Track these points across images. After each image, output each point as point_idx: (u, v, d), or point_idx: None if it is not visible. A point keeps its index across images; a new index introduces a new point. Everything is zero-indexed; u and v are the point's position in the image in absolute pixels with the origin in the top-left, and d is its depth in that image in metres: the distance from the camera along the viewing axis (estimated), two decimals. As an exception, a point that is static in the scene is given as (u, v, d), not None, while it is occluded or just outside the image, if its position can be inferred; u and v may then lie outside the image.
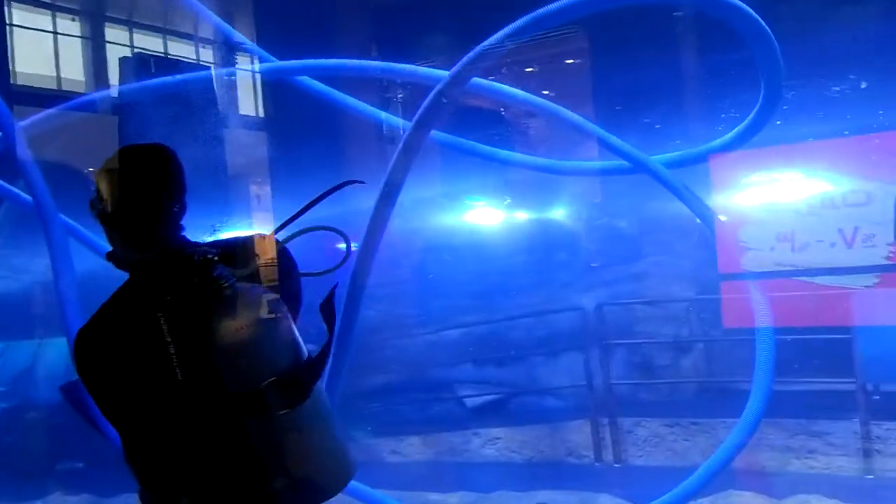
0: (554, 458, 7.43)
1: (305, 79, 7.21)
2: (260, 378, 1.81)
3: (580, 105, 11.48)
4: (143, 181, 1.96)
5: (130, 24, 15.44)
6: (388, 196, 6.10)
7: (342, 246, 2.16)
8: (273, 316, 1.86)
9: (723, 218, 9.20)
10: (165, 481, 1.91)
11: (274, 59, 7.37)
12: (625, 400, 8.01)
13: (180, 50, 15.35)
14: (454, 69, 6.06)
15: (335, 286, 1.98)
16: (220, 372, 1.83)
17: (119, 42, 14.79)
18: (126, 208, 1.94)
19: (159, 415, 1.90)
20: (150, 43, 15.28)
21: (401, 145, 6.26)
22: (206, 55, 14.53)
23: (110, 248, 2.03)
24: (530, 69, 12.15)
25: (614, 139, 6.61)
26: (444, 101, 6.24)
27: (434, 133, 7.25)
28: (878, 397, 6.82)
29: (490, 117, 11.22)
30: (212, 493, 1.90)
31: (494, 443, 7.95)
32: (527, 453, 7.69)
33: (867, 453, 6.60)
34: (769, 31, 5.59)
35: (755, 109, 6.46)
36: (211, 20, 7.54)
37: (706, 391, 8.51)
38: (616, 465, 7.44)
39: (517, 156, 8.18)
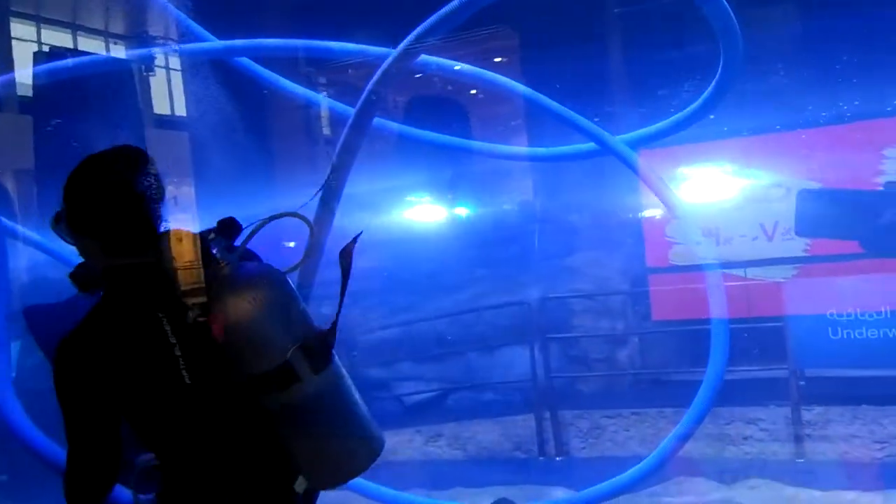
0: (500, 453, 7.46)
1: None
2: (284, 349, 1.78)
3: (508, 102, 11.60)
4: (139, 183, 1.89)
5: (38, 20, 14.80)
6: (330, 196, 6.06)
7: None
8: (282, 286, 1.84)
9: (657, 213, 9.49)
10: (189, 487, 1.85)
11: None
12: (565, 393, 8.13)
13: (91, 46, 14.83)
14: (383, 66, 6.11)
15: (359, 234, 1.93)
16: (243, 356, 1.78)
17: (27, 38, 14.15)
18: (126, 213, 1.87)
19: (169, 421, 1.83)
20: (60, 39, 14.70)
21: (339, 146, 6.23)
22: (119, 52, 14.07)
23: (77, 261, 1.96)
24: (457, 66, 12.17)
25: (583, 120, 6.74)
26: (374, 98, 6.30)
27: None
28: (803, 383, 7.08)
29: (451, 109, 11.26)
30: (235, 490, 1.85)
31: (436, 440, 7.94)
32: (471, 449, 7.70)
33: (798, 438, 6.87)
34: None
35: (707, 92, 6.61)
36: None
37: (641, 382, 8.71)
38: (557, 459, 7.52)
39: (483, 145, 8.31)
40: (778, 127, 8.92)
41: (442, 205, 9.15)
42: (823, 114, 8.57)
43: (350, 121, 5.96)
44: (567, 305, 8.98)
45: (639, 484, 5.40)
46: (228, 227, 1.87)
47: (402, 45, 6.12)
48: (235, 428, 1.84)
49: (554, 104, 6.93)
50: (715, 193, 9.28)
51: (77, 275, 1.96)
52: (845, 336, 6.81)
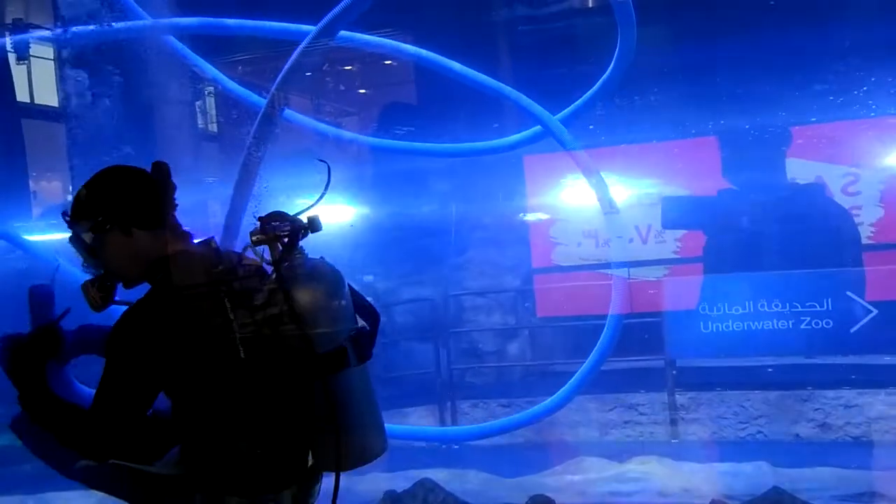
0: (403, 442, 7.78)
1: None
2: (338, 336, 2.01)
3: (400, 104, 11.94)
4: (167, 183, 2.11)
5: None
6: (241, 195, 6.22)
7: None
8: (340, 281, 2.07)
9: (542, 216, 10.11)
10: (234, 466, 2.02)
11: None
12: (459, 385, 8.58)
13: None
14: (278, 78, 6.42)
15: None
16: (300, 339, 1.99)
17: None
18: (163, 208, 2.09)
19: (217, 394, 2.00)
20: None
21: (244, 155, 6.42)
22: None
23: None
24: (349, 67, 12.45)
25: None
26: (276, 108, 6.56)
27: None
28: (675, 372, 7.84)
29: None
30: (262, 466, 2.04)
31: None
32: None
33: (673, 421, 7.63)
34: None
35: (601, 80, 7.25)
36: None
37: (531, 374, 9.30)
38: (455, 447, 7.95)
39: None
40: (654, 140, 9.74)
41: (352, 204, 9.36)
42: (693, 130, 9.47)
43: (251, 134, 6.18)
44: (459, 302, 9.45)
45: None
46: (313, 223, 2.06)
47: (294, 56, 6.43)
48: (279, 406, 2.04)
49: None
50: (593, 198, 9.96)
51: (102, 286, 2.09)
52: (714, 329, 7.64)
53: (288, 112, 7.60)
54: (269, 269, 2.06)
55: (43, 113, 13.80)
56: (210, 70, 8.00)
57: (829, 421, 7.17)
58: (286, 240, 2.03)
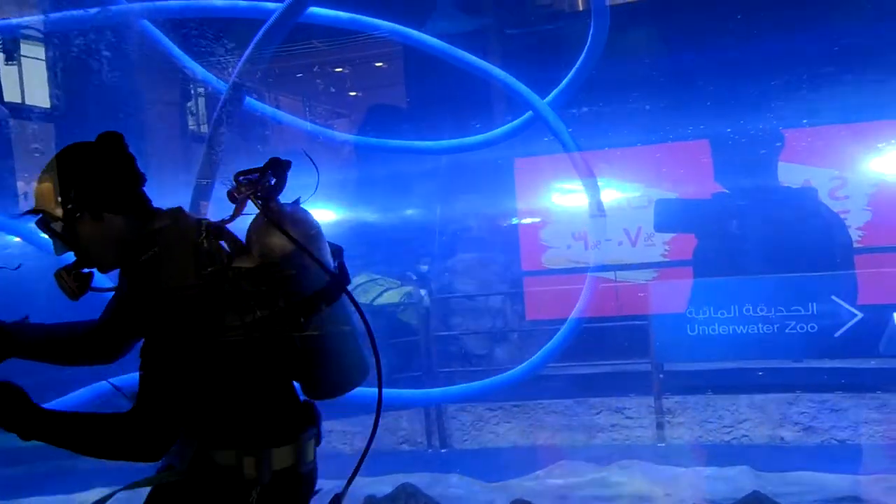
0: (387, 446, 7.78)
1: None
2: (323, 275, 2.05)
3: (393, 105, 11.94)
4: (125, 156, 2.07)
5: None
6: (201, 196, 6.22)
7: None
8: (315, 222, 2.09)
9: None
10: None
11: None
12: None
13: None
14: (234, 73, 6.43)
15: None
16: (287, 284, 2.01)
17: None
18: (135, 183, 2.07)
19: (227, 349, 1.97)
20: None
21: (205, 145, 6.43)
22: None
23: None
24: (340, 69, 12.46)
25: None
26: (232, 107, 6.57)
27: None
28: (662, 375, 7.83)
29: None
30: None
31: (326, 436, 8.16)
32: (359, 444, 7.97)
33: (660, 424, 7.62)
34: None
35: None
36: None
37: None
38: (442, 451, 7.95)
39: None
40: (638, 143, 9.76)
41: (342, 206, 9.37)
42: (678, 132, 9.49)
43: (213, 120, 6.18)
44: (447, 304, 9.45)
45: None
46: (280, 166, 2.06)
47: (250, 47, 6.43)
48: (275, 351, 2.04)
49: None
50: (583, 201, 9.98)
51: (75, 275, 2.04)
52: (701, 332, 7.63)
53: (251, 101, 7.67)
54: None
55: (34, 113, 13.75)
56: (184, 58, 7.97)
57: (815, 424, 7.17)
58: (261, 192, 2.04)
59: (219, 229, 2.04)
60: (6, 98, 12.94)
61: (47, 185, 1.99)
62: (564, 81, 8.29)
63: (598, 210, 8.40)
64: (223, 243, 2.07)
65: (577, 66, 8.16)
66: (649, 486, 5.56)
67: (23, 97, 13.85)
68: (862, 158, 8.70)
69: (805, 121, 8.99)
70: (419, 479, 5.73)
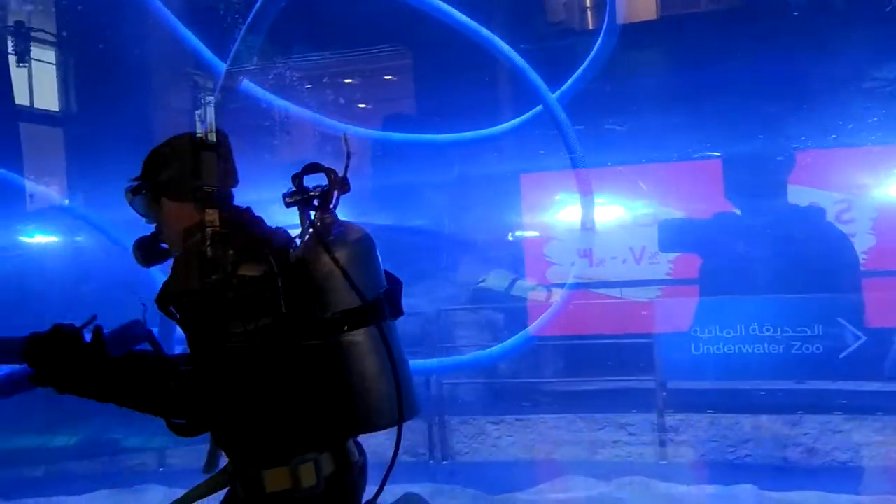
0: (387, 457, 7.75)
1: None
2: (372, 291, 2.05)
3: (403, 116, 11.99)
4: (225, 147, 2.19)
5: None
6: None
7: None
8: (371, 241, 2.12)
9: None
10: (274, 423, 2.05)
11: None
12: (448, 400, 8.55)
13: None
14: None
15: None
16: (336, 294, 2.03)
17: None
18: (228, 171, 2.18)
19: (261, 349, 2.00)
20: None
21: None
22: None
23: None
24: (349, 80, 12.52)
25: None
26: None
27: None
28: (665, 393, 7.84)
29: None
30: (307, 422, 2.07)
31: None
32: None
33: (662, 442, 7.62)
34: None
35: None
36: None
37: (521, 391, 9.27)
38: (444, 463, 7.94)
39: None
40: (643, 160, 9.80)
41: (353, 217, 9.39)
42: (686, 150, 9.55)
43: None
44: (451, 317, 9.45)
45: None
46: (342, 182, 2.09)
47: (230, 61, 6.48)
48: (309, 361, 2.05)
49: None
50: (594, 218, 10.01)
51: (144, 246, 2.20)
52: (705, 351, 7.65)
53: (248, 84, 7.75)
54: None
55: (42, 117, 13.83)
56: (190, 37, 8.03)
57: (817, 446, 7.17)
58: (317, 201, 2.08)
59: (225, 236, 2.06)
60: (16, 100, 13.02)
61: (147, 160, 2.19)
62: (556, 93, 8.35)
63: (588, 224, 8.46)
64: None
65: (570, 80, 8.25)
66: (654, 502, 5.56)
67: (31, 100, 13.95)
68: (868, 182, 8.74)
69: (810, 144, 9.05)
70: (421, 491, 5.69)
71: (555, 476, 6.33)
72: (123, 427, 7.23)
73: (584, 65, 8.49)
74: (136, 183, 2.19)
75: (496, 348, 8.26)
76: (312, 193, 2.08)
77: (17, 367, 2.09)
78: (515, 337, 8.31)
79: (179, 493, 2.22)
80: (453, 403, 8.56)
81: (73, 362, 1.97)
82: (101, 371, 1.98)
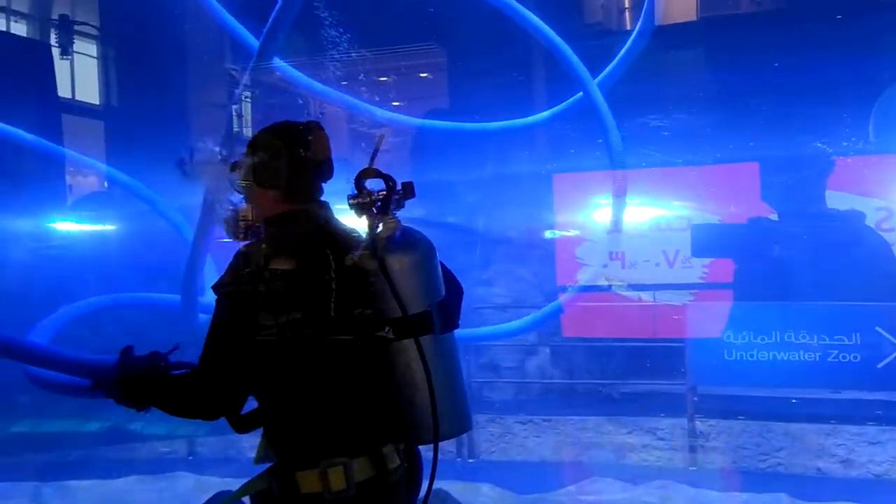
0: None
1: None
2: (425, 301, 2.04)
3: (435, 115, 11.98)
4: (318, 145, 2.18)
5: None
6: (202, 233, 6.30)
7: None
8: (433, 251, 2.11)
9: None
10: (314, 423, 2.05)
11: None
12: (477, 399, 8.53)
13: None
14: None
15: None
16: (389, 301, 2.01)
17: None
18: (308, 171, 2.16)
19: (301, 351, 2.01)
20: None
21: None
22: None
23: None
24: (384, 79, 12.54)
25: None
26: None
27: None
28: (696, 398, 7.73)
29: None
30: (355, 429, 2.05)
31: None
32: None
33: (692, 448, 7.52)
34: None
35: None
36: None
37: (550, 392, 9.23)
38: (471, 461, 7.92)
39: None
40: (679, 161, 9.69)
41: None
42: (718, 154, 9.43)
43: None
44: (482, 315, 9.41)
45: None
46: (409, 189, 2.10)
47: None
48: (354, 364, 2.04)
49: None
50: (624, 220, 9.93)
51: (234, 221, 2.19)
52: (738, 357, 7.54)
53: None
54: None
55: (83, 109, 14.04)
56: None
57: (852, 457, 7.03)
58: (379, 204, 2.06)
59: (256, 230, 2.10)
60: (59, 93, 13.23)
61: (250, 141, 2.20)
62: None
63: (615, 226, 8.39)
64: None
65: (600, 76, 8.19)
66: (683, 507, 5.49)
67: (73, 93, 14.16)
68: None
69: (857, 149, 8.90)
70: (448, 488, 5.69)
71: (582, 478, 6.28)
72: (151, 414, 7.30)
73: (612, 65, 8.38)
74: (237, 159, 2.21)
75: (528, 318, 8.31)
76: (374, 197, 2.06)
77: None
78: (547, 307, 8.35)
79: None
80: (482, 402, 8.55)
81: (160, 392, 2.12)
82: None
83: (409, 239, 2.08)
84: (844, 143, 8.81)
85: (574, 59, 7.80)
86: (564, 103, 8.54)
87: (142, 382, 2.12)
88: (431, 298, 2.06)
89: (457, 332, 2.15)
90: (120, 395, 2.14)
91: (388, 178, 2.08)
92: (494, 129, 9.09)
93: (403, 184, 2.09)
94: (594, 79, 7.99)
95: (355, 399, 2.06)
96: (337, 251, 2.05)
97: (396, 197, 2.08)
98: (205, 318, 2.39)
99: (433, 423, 2.01)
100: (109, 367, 2.18)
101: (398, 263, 2.02)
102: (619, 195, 7.82)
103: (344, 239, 2.09)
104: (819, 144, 8.78)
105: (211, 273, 6.47)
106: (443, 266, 2.19)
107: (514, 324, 8.33)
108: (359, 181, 2.08)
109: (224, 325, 2.04)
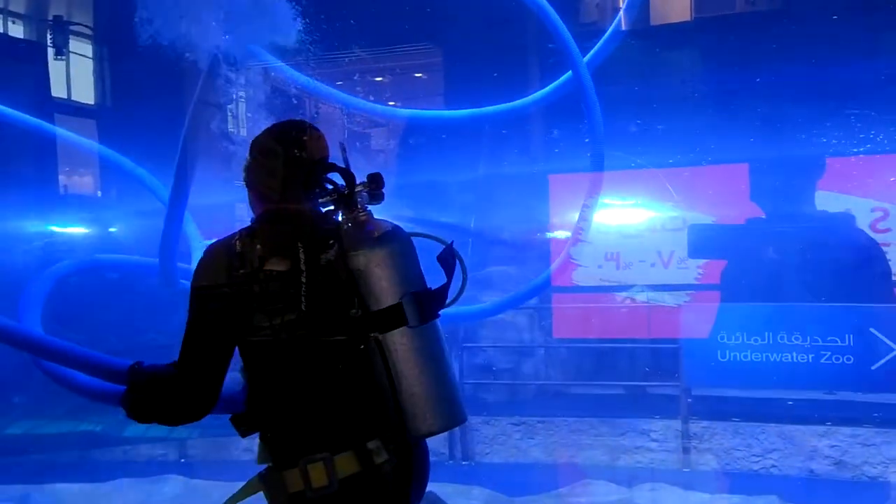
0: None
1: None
2: (399, 293, 2.01)
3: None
4: (304, 149, 2.17)
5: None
6: (178, 197, 6.10)
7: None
8: (408, 242, 2.09)
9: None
10: (290, 420, 2.05)
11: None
12: (470, 400, 8.50)
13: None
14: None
15: (452, 242, 2.21)
16: (361, 294, 2.01)
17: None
18: (284, 175, 2.14)
19: (275, 344, 2.01)
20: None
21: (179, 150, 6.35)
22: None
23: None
24: (380, 79, 12.52)
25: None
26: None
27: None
28: (690, 400, 7.72)
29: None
30: (332, 426, 2.04)
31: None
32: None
33: (686, 449, 7.51)
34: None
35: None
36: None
37: (544, 393, 9.21)
38: (464, 463, 7.90)
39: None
40: (670, 161, 9.67)
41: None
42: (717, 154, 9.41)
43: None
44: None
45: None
46: (376, 181, 2.10)
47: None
48: (331, 360, 2.03)
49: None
50: (617, 221, 9.92)
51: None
52: (732, 358, 7.52)
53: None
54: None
55: (78, 109, 13.99)
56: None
57: (846, 459, 7.02)
58: (342, 199, 2.09)
59: (251, 231, 2.07)
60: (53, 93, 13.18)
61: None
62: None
63: (580, 233, 8.34)
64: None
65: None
66: (675, 510, 5.47)
67: (69, 93, 14.12)
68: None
69: (854, 150, 8.88)
70: (440, 490, 5.66)
71: (575, 480, 6.26)
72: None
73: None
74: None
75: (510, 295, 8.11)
76: (340, 193, 2.08)
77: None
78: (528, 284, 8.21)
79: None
80: (475, 403, 8.52)
81: (145, 400, 2.08)
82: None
83: (379, 232, 2.06)
84: (836, 143, 8.79)
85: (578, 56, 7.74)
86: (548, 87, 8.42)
87: (133, 393, 2.09)
88: (405, 290, 2.02)
89: (443, 311, 2.09)
90: (127, 410, 2.12)
91: (346, 172, 2.07)
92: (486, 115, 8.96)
93: (369, 175, 2.08)
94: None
95: (332, 395, 2.04)
96: (310, 248, 2.03)
97: (362, 190, 2.07)
98: (185, 285, 2.37)
99: (399, 420, 2.00)
100: (122, 374, 2.21)
101: (364, 257, 2.01)
102: (592, 196, 7.78)
103: (321, 236, 2.08)
104: (814, 145, 8.77)
105: (196, 237, 6.25)
106: (448, 254, 2.15)
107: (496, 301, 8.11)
108: (321, 178, 2.09)
109: (198, 324, 2.03)
